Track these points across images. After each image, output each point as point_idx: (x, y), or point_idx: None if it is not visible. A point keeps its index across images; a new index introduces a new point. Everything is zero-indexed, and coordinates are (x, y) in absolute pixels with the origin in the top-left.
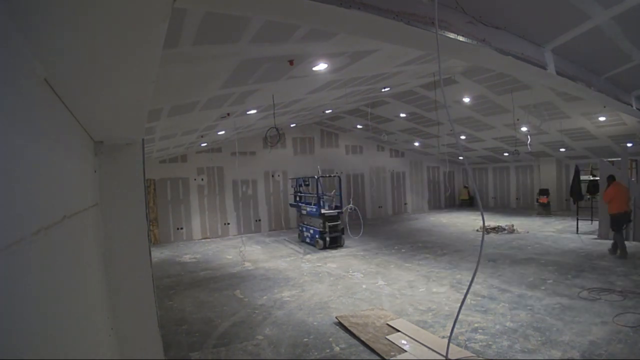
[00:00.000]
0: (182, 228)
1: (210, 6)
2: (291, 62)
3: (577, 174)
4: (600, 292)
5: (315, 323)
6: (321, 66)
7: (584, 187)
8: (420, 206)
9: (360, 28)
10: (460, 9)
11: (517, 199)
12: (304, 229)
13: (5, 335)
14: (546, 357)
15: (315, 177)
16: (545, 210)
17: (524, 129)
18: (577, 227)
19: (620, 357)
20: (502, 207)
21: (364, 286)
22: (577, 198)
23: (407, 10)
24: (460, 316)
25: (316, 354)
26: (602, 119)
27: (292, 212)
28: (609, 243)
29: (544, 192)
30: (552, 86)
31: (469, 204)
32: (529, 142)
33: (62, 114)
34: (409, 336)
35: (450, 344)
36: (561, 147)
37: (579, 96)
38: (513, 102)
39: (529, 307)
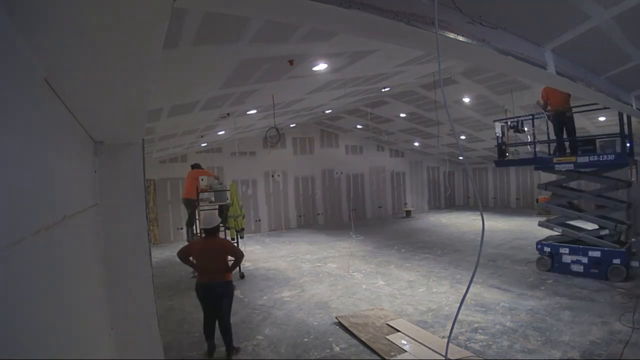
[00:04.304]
0: (182, 228)
1: (210, 6)
2: (291, 62)
3: None
4: (597, 291)
5: (315, 323)
6: (321, 66)
7: None
8: (420, 206)
9: (360, 28)
10: (457, 9)
11: (517, 199)
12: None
13: (5, 335)
14: (546, 357)
15: None
16: (545, 210)
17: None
18: None
19: (620, 357)
20: (502, 207)
21: (364, 286)
22: None
23: (407, 10)
24: (460, 316)
25: (316, 354)
26: (602, 119)
27: (292, 212)
28: None
29: None
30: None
31: None
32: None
33: (62, 114)
34: (409, 336)
35: (450, 344)
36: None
37: (579, 96)
38: (513, 102)
39: (529, 307)
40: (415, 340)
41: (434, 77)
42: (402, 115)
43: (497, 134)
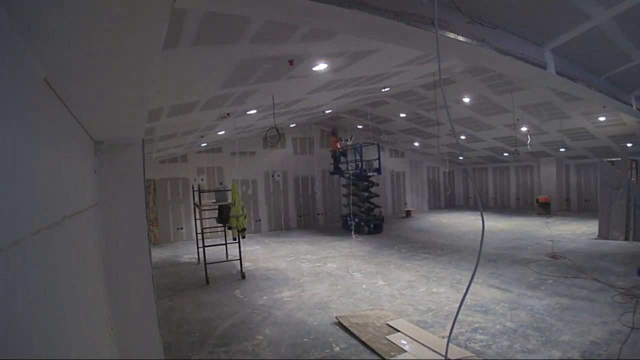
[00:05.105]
0: (182, 228)
1: (210, 6)
2: (291, 62)
3: None
4: (597, 291)
5: (315, 323)
6: (321, 66)
7: None
8: (420, 206)
9: (360, 28)
10: (457, 9)
11: (517, 199)
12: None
13: (5, 335)
14: (546, 357)
15: None
16: (545, 210)
17: (524, 129)
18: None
19: (620, 357)
20: (502, 207)
21: (363, 286)
22: None
23: (407, 10)
24: (460, 316)
25: (316, 354)
26: (602, 119)
27: (292, 212)
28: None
29: None
30: (552, 86)
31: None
32: (529, 142)
33: (62, 114)
34: (409, 336)
35: (450, 344)
36: (561, 147)
37: (579, 96)
38: (513, 102)
39: (529, 307)
40: (415, 340)
41: (434, 77)
42: (402, 115)
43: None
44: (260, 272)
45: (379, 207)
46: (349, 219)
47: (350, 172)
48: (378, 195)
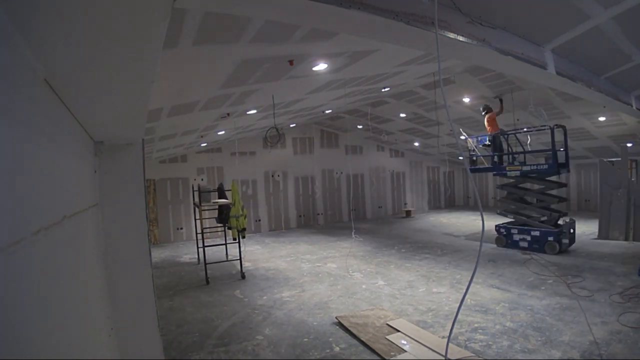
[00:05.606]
0: (182, 228)
1: (210, 6)
2: (291, 62)
3: None
4: (596, 292)
5: (315, 323)
6: (321, 66)
7: None
8: (420, 206)
9: (360, 28)
10: (457, 9)
11: None
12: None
13: (5, 335)
14: (546, 357)
15: None
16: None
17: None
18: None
19: (620, 357)
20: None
21: (363, 286)
22: None
23: (407, 10)
24: (460, 316)
25: (316, 354)
26: (602, 119)
27: (292, 212)
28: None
29: None
30: (552, 86)
31: None
32: (528, 142)
33: (62, 114)
34: (408, 336)
35: (450, 344)
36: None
37: (579, 96)
38: (513, 102)
39: (529, 307)
40: (415, 340)
41: (434, 77)
42: (402, 115)
43: (470, 148)
44: (260, 272)
45: (562, 214)
46: (512, 230)
47: (521, 167)
48: (565, 200)
